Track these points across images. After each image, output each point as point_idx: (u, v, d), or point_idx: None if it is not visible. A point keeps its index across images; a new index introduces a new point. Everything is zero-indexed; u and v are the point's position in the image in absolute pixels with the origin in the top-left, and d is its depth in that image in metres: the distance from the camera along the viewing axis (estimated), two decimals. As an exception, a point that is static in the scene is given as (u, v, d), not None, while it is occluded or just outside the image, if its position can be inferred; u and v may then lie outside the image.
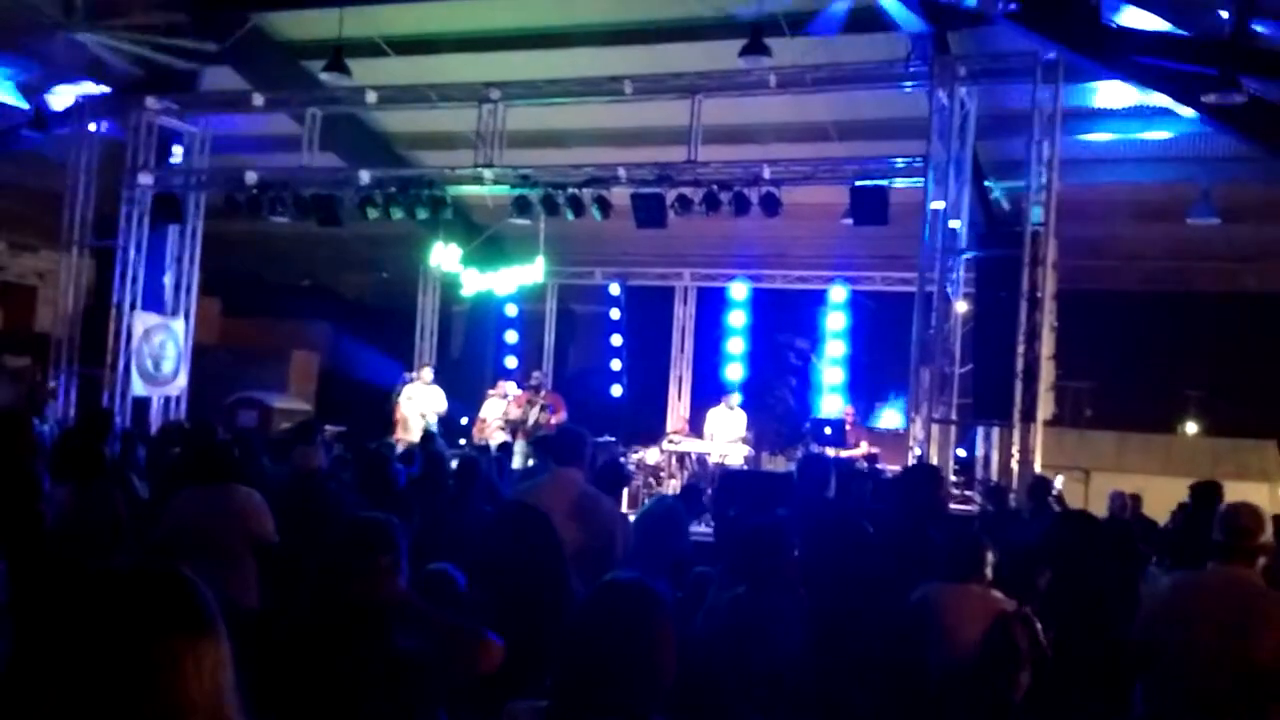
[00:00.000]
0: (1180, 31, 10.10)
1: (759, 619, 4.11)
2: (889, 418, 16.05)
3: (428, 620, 2.88)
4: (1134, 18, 10.22)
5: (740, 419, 14.90)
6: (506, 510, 4.92)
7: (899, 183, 11.58)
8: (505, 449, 12.84)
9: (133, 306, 14.46)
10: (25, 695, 1.37)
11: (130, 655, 1.39)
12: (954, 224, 11.44)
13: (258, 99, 13.86)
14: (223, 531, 5.33)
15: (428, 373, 15.72)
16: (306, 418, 14.94)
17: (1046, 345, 10.87)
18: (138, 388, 14.38)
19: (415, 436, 14.27)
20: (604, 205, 12.51)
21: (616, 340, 18.60)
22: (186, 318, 15.08)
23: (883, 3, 10.33)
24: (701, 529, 9.92)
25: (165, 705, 1.39)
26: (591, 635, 2.31)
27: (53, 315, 15.49)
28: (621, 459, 13.43)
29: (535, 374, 16.29)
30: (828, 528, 5.85)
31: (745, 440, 14.66)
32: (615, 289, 18.43)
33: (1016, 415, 10.67)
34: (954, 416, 11.45)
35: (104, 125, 14.68)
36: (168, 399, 14.80)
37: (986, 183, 13.59)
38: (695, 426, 15.66)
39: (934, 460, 10.93)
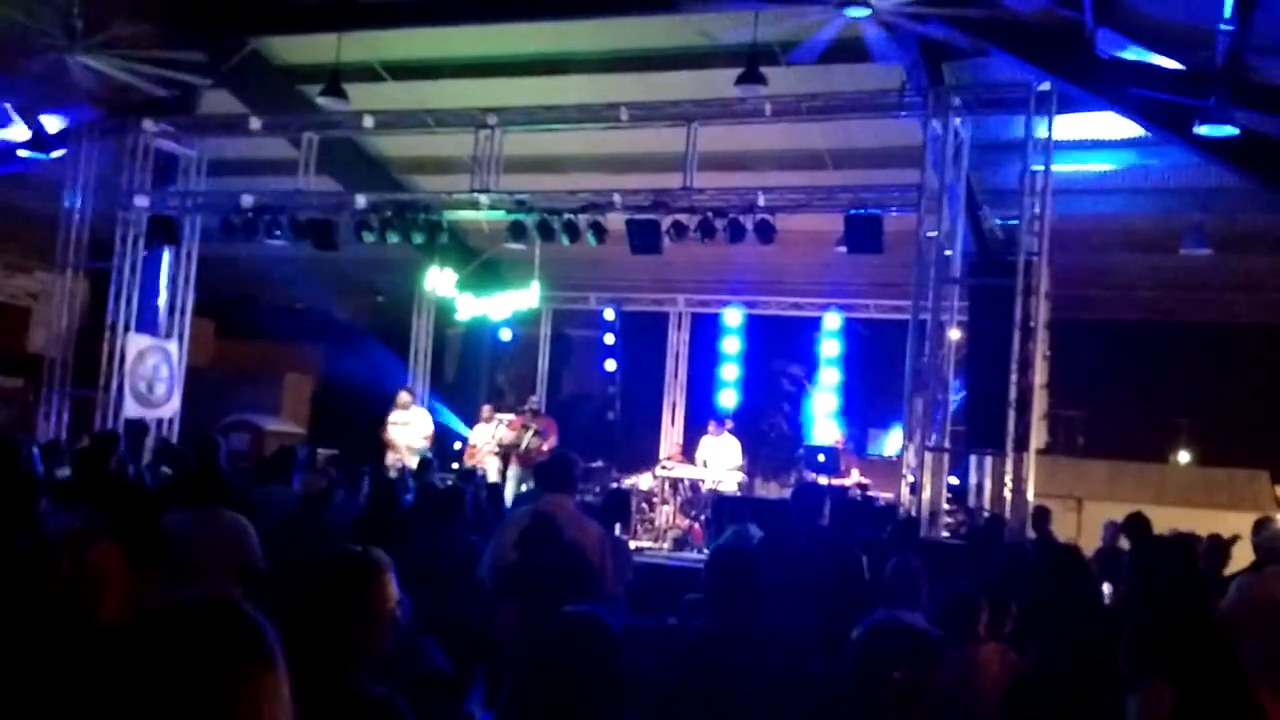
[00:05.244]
0: (1173, 63, 10.17)
1: (724, 648, 4.05)
2: (891, 443, 16.01)
3: (411, 664, 2.85)
4: (1127, 49, 10.30)
5: (733, 445, 14.88)
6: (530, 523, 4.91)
7: (893, 211, 11.63)
8: (496, 489, 12.75)
9: (126, 328, 14.44)
10: None
11: (202, 686, 1.43)
12: (948, 252, 11.48)
13: (255, 122, 13.92)
14: (207, 556, 5.30)
15: (406, 398, 15.58)
16: (295, 441, 14.88)
17: (1039, 374, 10.90)
18: (131, 409, 14.34)
19: (405, 460, 14.25)
20: (599, 231, 12.54)
21: (610, 365, 18.59)
22: (180, 340, 15.05)
23: (871, 35, 10.37)
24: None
25: None
26: (541, 666, 2.34)
27: (46, 336, 15.47)
28: (614, 484, 13.47)
29: (531, 399, 16.28)
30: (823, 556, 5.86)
31: (739, 466, 14.65)
32: (610, 314, 18.44)
33: (1009, 444, 10.67)
34: (947, 444, 11.46)
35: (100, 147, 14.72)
36: (160, 421, 14.75)
37: (980, 211, 13.64)
38: (689, 452, 15.65)
39: (926, 489, 10.94)
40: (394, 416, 15.18)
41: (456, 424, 17.28)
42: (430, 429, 15.37)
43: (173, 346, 14.93)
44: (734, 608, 4.10)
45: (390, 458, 14.54)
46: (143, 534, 4.15)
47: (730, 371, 17.76)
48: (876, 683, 2.43)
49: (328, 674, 2.57)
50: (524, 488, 13.30)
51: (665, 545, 13.17)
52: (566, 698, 2.39)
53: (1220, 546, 8.05)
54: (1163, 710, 3.19)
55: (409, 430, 15.03)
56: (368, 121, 13.54)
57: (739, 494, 14.06)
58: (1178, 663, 3.29)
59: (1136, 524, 8.68)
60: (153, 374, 14.60)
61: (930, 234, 11.25)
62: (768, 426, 17.42)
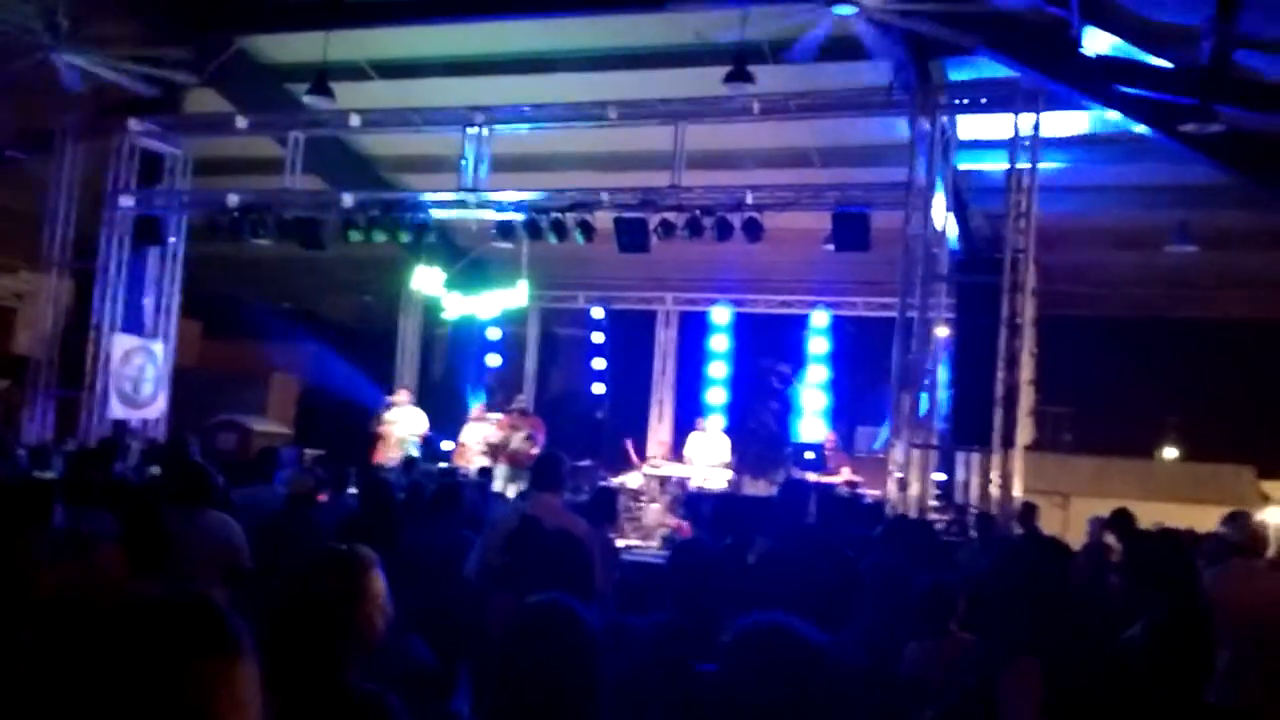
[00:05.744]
0: (1158, 61, 10.22)
1: (679, 646, 4.02)
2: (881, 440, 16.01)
3: (398, 661, 2.85)
4: (1112, 47, 10.34)
5: (721, 443, 14.89)
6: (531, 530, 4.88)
7: (880, 209, 11.65)
8: (485, 473, 12.79)
9: (112, 328, 14.39)
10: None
11: (163, 678, 1.42)
12: (935, 250, 11.51)
13: (241, 121, 13.88)
14: (195, 556, 5.28)
15: (404, 395, 15.64)
16: (281, 442, 14.85)
17: (1026, 370, 10.94)
18: (116, 410, 14.29)
19: (394, 460, 14.22)
20: (587, 229, 12.53)
21: (599, 364, 18.60)
22: (166, 340, 15.01)
23: (860, 33, 10.40)
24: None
25: None
26: (512, 655, 2.34)
27: (31, 337, 15.40)
28: (602, 482, 13.46)
29: (519, 398, 16.27)
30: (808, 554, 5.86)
31: (727, 464, 14.66)
32: (598, 313, 18.45)
33: (996, 440, 10.71)
34: (934, 441, 11.48)
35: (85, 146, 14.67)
36: (146, 421, 14.71)
37: (967, 209, 13.68)
38: (678, 450, 15.66)
39: (914, 486, 10.97)
40: (390, 415, 15.16)
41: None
42: (424, 427, 15.35)
43: (158, 347, 14.88)
44: (692, 605, 4.09)
45: (382, 455, 14.53)
46: (148, 538, 4.17)
47: (718, 369, 17.78)
48: (746, 693, 2.26)
49: (319, 672, 2.57)
50: (511, 487, 13.29)
51: (654, 543, 13.16)
52: (535, 684, 2.39)
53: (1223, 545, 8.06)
54: (1032, 686, 3.20)
55: (401, 427, 15.02)
56: (354, 120, 13.52)
57: (713, 491, 14.05)
58: (1040, 639, 3.30)
59: (1121, 520, 8.72)
60: (138, 374, 14.55)
61: (917, 231, 11.28)
62: (756, 424, 17.42)
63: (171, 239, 14.77)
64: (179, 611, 1.49)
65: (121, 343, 14.42)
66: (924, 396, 11.33)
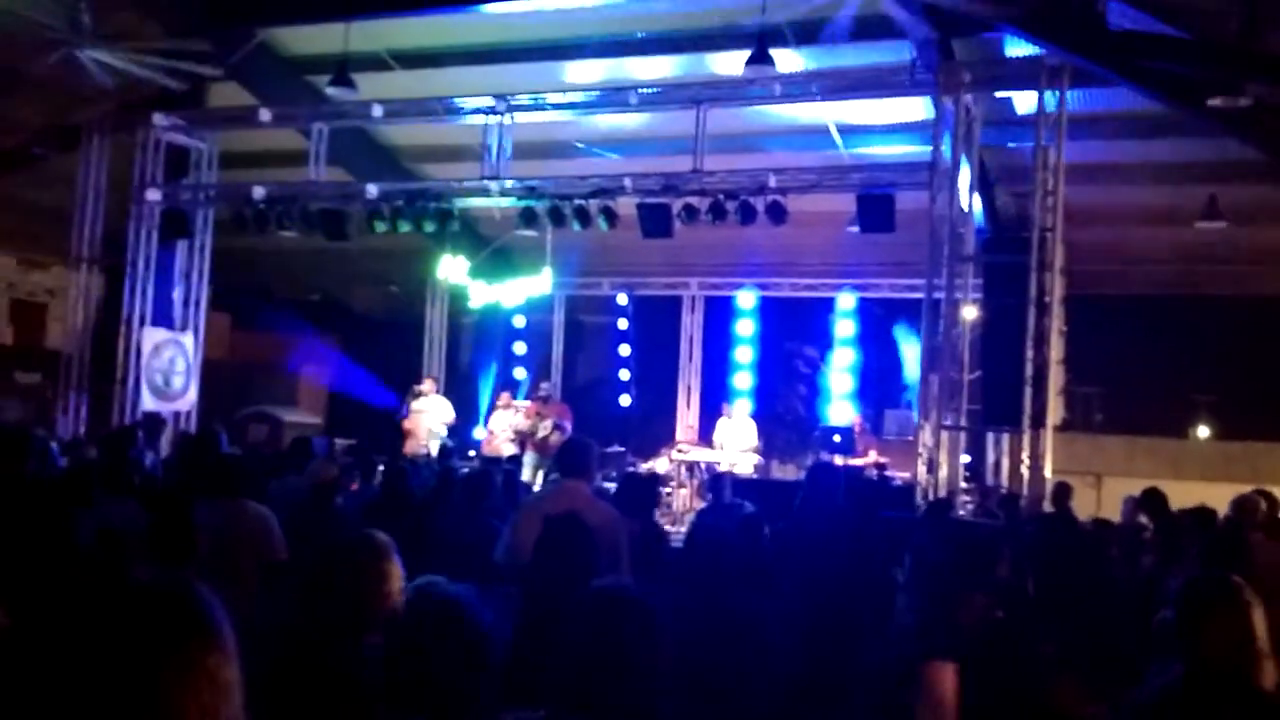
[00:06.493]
0: (1185, 36, 10.08)
1: (688, 623, 4.03)
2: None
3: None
4: (1138, 22, 10.21)
5: (749, 428, 14.87)
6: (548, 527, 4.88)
7: (905, 189, 11.57)
8: (514, 461, 12.83)
9: (142, 322, 14.52)
10: (33, 703, 1.40)
11: (136, 663, 1.41)
12: (961, 230, 11.42)
13: (265, 114, 13.93)
14: (232, 548, 5.32)
15: (430, 384, 15.72)
16: (312, 432, 14.95)
17: (1055, 350, 10.84)
18: (148, 403, 14.42)
19: (425, 448, 14.30)
20: (610, 216, 12.52)
21: (625, 350, 18.59)
22: (196, 333, 15.12)
23: (888, 10, 10.31)
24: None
25: (168, 716, 1.41)
26: (577, 643, 2.35)
27: (63, 332, 15.56)
28: (630, 468, 13.47)
29: (544, 385, 16.31)
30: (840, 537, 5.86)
31: (755, 448, 14.66)
32: (623, 299, 18.44)
33: (1026, 421, 10.63)
34: (964, 423, 11.42)
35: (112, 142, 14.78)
36: (178, 414, 14.84)
37: (993, 188, 13.57)
38: (705, 435, 15.65)
39: (943, 468, 10.91)
40: (417, 404, 15.24)
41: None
42: (450, 416, 15.43)
43: (188, 340, 15.00)
44: (704, 584, 4.09)
45: (410, 444, 14.60)
46: (174, 531, 4.20)
47: (745, 354, 17.74)
48: (411, 650, 2.35)
49: (341, 647, 2.62)
50: (539, 474, 13.34)
51: (683, 528, 13.18)
52: (608, 670, 2.37)
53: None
54: (947, 690, 3.17)
55: (429, 416, 15.10)
56: (377, 111, 13.54)
57: (755, 476, 14.06)
58: (957, 643, 3.28)
59: (1153, 499, 8.66)
60: (169, 367, 14.67)
61: (942, 212, 11.20)
62: (783, 408, 17.39)
63: (198, 232, 14.88)
64: (154, 598, 1.49)
65: (152, 336, 14.55)
66: (952, 378, 11.26)
